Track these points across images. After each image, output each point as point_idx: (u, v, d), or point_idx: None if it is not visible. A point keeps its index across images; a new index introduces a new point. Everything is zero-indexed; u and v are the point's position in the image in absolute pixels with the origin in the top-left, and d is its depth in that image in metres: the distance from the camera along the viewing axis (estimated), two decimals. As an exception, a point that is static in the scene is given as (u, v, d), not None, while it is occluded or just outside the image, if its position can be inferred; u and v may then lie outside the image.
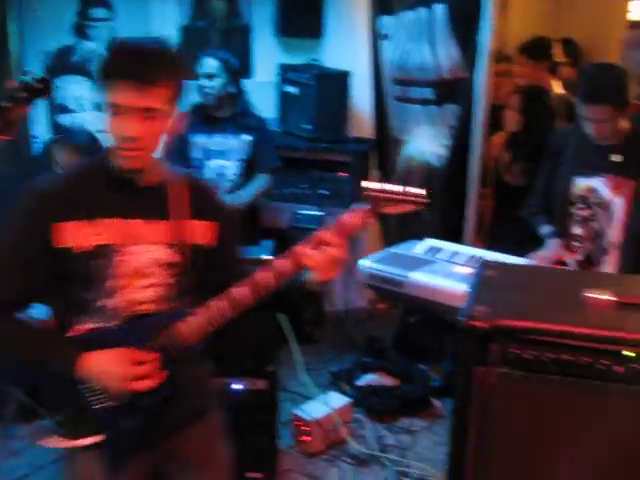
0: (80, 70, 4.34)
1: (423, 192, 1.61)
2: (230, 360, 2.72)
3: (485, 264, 2.28)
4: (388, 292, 3.15)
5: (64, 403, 1.70)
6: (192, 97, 3.80)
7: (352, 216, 1.62)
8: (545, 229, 2.96)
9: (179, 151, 3.67)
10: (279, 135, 4.24)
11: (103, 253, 1.65)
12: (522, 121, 3.79)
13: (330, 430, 3.27)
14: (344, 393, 3.58)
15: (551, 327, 1.76)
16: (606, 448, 1.75)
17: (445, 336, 3.53)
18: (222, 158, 3.67)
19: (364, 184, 1.64)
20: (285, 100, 4.37)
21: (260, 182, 3.69)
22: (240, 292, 1.64)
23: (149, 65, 1.59)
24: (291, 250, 1.64)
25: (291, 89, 4.29)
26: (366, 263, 3.17)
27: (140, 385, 1.65)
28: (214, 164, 3.66)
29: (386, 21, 4.19)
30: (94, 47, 4.34)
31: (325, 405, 3.32)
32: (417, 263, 3.11)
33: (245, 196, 3.62)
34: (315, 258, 1.61)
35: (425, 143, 4.10)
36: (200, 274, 1.79)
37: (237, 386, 2.91)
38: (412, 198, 1.62)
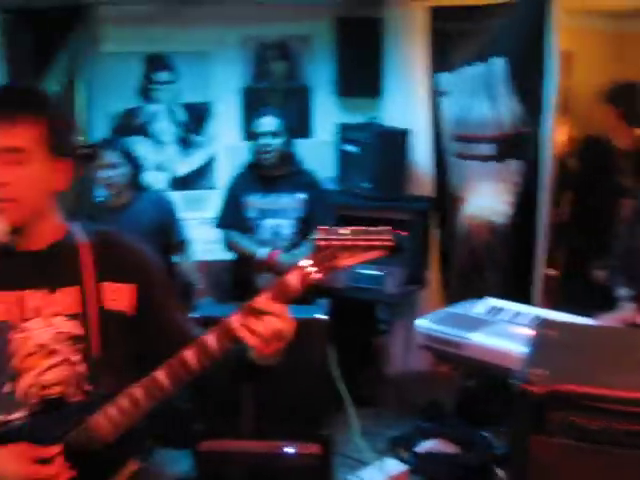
0: (144, 131, 4.45)
1: (386, 230, 1.35)
2: (278, 422, 2.66)
3: (545, 323, 2.15)
4: (446, 354, 3.01)
5: None
6: (246, 157, 3.86)
7: (294, 275, 1.34)
8: (622, 292, 2.81)
9: (233, 212, 3.70)
10: (338, 194, 4.22)
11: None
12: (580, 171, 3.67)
13: (385, 499, 3.12)
14: (402, 460, 3.42)
15: (619, 394, 1.60)
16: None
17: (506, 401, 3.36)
18: (277, 217, 3.66)
19: (316, 232, 1.35)
20: (344, 159, 4.36)
21: (316, 241, 3.65)
22: (156, 376, 1.40)
23: (7, 103, 1.45)
24: (221, 322, 1.38)
25: (350, 148, 4.28)
26: (424, 323, 3.06)
27: None
28: (269, 223, 3.66)
29: (445, 78, 4.15)
30: (158, 109, 4.46)
31: (381, 472, 3.18)
32: (477, 324, 2.98)
33: (301, 255, 3.57)
34: (251, 330, 1.35)
35: (486, 200, 3.99)
36: (122, 348, 1.55)
37: (289, 450, 2.82)
38: (375, 242, 1.34)
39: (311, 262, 1.33)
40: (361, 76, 4.40)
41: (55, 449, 1.42)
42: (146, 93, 4.45)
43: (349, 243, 1.33)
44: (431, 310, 3.42)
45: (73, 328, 1.51)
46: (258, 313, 1.35)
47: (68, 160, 1.50)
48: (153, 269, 1.65)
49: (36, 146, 1.44)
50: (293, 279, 1.34)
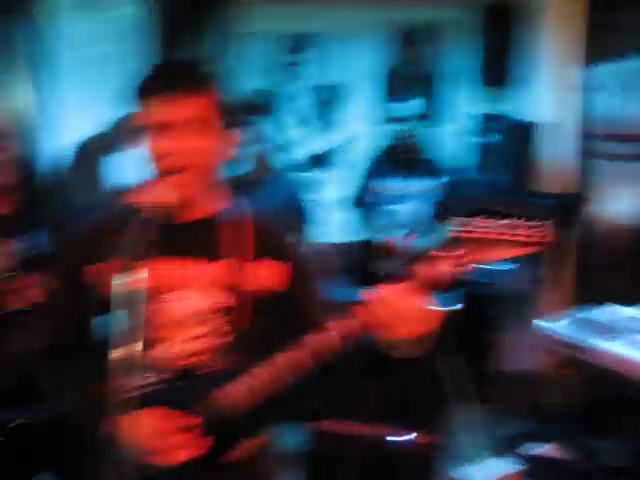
0: (282, 111, 4.54)
1: (543, 225, 1.24)
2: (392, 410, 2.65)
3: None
4: (572, 359, 2.90)
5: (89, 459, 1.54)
6: (383, 140, 3.85)
7: (429, 264, 1.32)
8: None
9: (369, 193, 3.71)
10: (475, 184, 4.14)
11: (133, 299, 1.40)
12: None
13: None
14: (511, 460, 3.33)
15: None
16: None
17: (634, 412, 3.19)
18: (413, 202, 3.65)
19: (453, 220, 1.30)
20: (482, 149, 4.28)
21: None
22: (293, 355, 1.42)
23: (179, 76, 1.49)
24: (350, 309, 1.38)
25: (488, 138, 4.19)
26: (548, 325, 2.95)
27: (174, 456, 1.43)
28: (405, 208, 3.65)
29: (598, 71, 3.95)
30: (298, 88, 4.52)
31: (491, 470, 3.10)
32: (609, 331, 2.84)
33: (435, 242, 3.53)
34: (381, 318, 1.34)
35: (624, 202, 3.79)
36: (267, 324, 1.58)
37: (401, 438, 2.80)
38: (530, 237, 1.25)
39: (447, 252, 1.30)
40: (503, 65, 4.28)
41: (193, 419, 1.44)
42: (286, 72, 4.52)
43: (495, 236, 1.26)
44: (547, 310, 3.28)
45: (226, 300, 1.54)
46: (389, 301, 1.33)
47: (235, 131, 1.55)
48: (301, 252, 1.69)
49: (211, 116, 1.48)
50: (427, 267, 1.32)
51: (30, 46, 4.18)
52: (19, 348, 1.96)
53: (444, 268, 1.31)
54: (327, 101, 4.53)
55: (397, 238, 3.56)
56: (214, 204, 1.58)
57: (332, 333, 1.40)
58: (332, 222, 3.99)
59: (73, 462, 1.63)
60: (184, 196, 1.47)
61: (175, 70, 1.53)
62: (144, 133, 1.47)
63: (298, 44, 4.51)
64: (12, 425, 1.68)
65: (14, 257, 2.03)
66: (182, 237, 1.51)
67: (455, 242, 1.30)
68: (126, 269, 1.32)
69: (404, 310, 1.33)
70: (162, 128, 1.44)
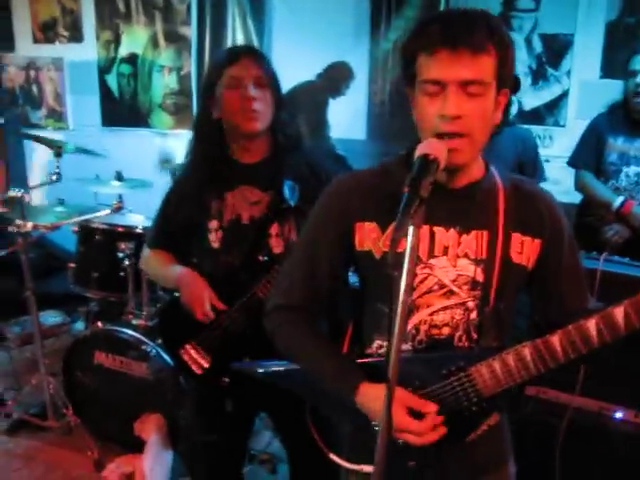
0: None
1: None
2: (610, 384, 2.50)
3: None
4: None
5: (347, 421, 1.56)
6: (605, 95, 3.58)
7: None
8: None
9: (591, 152, 3.47)
10: None
11: (399, 263, 1.33)
12: None
13: None
14: None
15: None
16: None
17: None
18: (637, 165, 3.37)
19: None
20: None
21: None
22: (549, 341, 1.33)
23: (476, 31, 1.31)
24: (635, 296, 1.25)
25: None
26: None
27: (413, 440, 1.40)
28: (631, 171, 3.37)
29: None
30: (515, 38, 4.29)
31: None
32: None
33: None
34: None
35: None
36: (514, 302, 1.51)
37: (618, 414, 2.65)
38: None
39: None
40: None
41: (432, 406, 1.41)
42: (506, 21, 4.31)
43: None
44: None
45: (475, 273, 1.47)
46: None
47: (507, 93, 1.43)
48: (562, 226, 1.53)
49: (492, 78, 1.36)
50: None
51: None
52: (261, 296, 2.02)
53: None
54: (545, 52, 4.28)
55: (619, 202, 3.31)
56: (473, 173, 1.49)
57: (615, 318, 1.28)
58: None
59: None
60: (460, 162, 1.39)
61: (474, 21, 1.35)
62: (415, 90, 1.38)
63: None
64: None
65: (265, 206, 2.09)
66: (444, 204, 1.43)
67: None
68: (399, 231, 1.22)
69: None
70: (454, 87, 1.33)
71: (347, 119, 4.34)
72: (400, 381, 1.26)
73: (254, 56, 2.07)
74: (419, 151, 1.29)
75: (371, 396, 1.44)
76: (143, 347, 3.15)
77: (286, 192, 2.02)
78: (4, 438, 3.59)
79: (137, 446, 3.13)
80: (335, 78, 4.35)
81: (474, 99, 1.34)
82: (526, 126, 3.94)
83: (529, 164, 3.38)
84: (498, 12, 4.29)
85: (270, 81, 2.06)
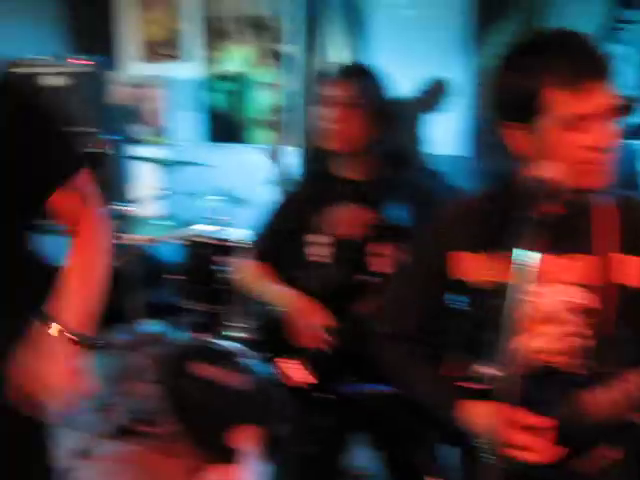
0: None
1: None
2: None
3: None
4: None
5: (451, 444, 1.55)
6: None
7: None
8: None
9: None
10: None
11: (501, 292, 1.33)
12: None
13: None
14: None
15: None
16: None
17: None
18: None
19: None
20: None
21: None
22: None
23: (599, 59, 1.35)
24: None
25: None
26: None
27: (523, 455, 1.35)
28: None
29: None
30: (625, 51, 4.14)
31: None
32: None
33: None
34: None
35: None
36: (631, 328, 1.44)
37: None
38: None
39: None
40: None
41: (548, 421, 1.36)
42: (612, 34, 4.16)
43: None
44: None
45: (588, 300, 1.43)
46: None
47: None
48: None
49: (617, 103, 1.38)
50: None
51: (348, 7, 4.33)
52: (361, 315, 2.02)
53: None
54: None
55: None
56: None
57: None
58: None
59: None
60: (596, 186, 1.39)
61: (594, 49, 1.39)
62: (538, 122, 1.36)
63: (626, 2, 4.11)
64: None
65: (370, 224, 2.09)
66: (551, 228, 1.37)
67: None
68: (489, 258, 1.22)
69: None
70: (599, 118, 1.34)
71: (446, 135, 4.30)
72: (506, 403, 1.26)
73: (349, 76, 2.10)
74: (541, 174, 1.27)
75: (475, 412, 1.42)
76: (242, 359, 3.20)
77: (390, 211, 2.02)
78: (109, 442, 3.72)
79: (232, 456, 3.18)
80: (435, 94, 4.32)
81: (613, 127, 1.37)
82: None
83: (632, 179, 3.25)
84: (605, 25, 4.15)
85: (364, 101, 2.06)
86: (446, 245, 1.51)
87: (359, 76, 2.12)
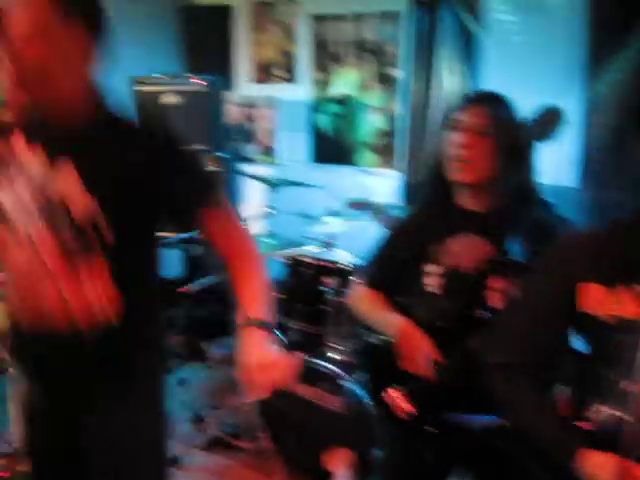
0: None
1: None
2: None
3: None
4: None
5: None
6: None
7: None
8: None
9: None
10: None
11: (627, 328, 1.32)
12: None
13: None
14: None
15: None
16: None
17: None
18: None
19: None
20: None
21: None
22: None
23: None
24: None
25: None
26: None
27: None
28: None
29: None
30: None
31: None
32: None
33: None
34: None
35: None
36: None
37: None
38: None
39: None
40: None
41: None
42: None
43: None
44: None
45: None
46: None
47: None
48: None
49: None
50: None
51: (460, 32, 4.30)
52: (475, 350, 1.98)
53: None
54: None
55: None
56: None
57: None
58: None
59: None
60: None
61: None
62: None
63: None
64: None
65: (487, 257, 2.05)
66: None
67: None
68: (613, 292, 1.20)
69: None
70: None
71: (557, 165, 4.18)
72: (626, 451, 1.19)
73: (483, 103, 2.05)
74: None
75: (596, 463, 1.37)
76: (339, 381, 3.20)
77: (510, 245, 1.97)
78: (200, 454, 3.80)
79: (324, 478, 3.18)
80: (547, 122, 4.22)
81: None
82: None
83: None
84: None
85: (497, 129, 2.01)
86: (575, 276, 1.46)
87: (492, 103, 2.07)
